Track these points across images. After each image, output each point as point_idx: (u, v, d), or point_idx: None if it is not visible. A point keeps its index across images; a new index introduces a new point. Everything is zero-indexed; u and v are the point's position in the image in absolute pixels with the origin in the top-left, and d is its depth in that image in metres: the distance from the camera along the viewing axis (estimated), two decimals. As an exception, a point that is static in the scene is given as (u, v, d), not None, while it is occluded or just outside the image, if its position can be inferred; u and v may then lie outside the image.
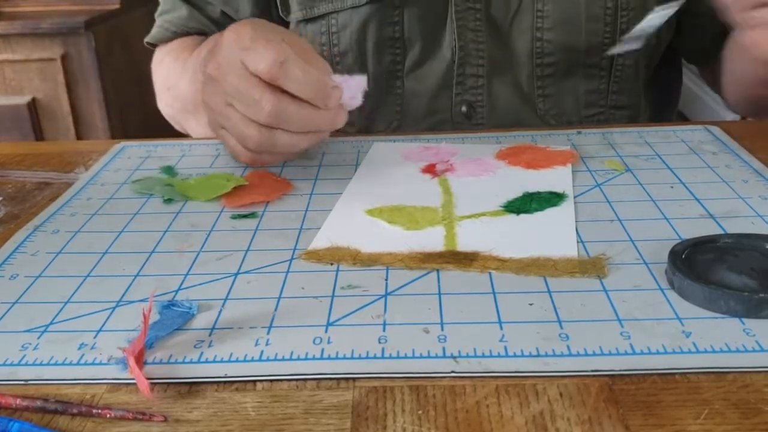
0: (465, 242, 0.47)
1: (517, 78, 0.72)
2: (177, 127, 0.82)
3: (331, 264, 0.45)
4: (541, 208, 0.51)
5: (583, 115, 0.74)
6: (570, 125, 0.73)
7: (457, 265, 0.44)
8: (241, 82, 0.54)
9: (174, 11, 0.79)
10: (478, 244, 0.46)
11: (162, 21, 0.81)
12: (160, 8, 0.82)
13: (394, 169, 0.59)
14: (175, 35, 0.80)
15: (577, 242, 0.46)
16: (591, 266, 0.43)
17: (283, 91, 0.53)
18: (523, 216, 0.50)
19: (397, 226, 0.49)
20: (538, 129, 0.68)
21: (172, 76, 0.75)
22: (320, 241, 0.48)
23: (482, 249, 0.45)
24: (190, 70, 0.70)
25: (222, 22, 0.78)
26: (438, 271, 0.43)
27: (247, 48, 0.54)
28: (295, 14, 0.74)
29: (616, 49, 0.58)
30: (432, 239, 0.47)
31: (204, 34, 0.79)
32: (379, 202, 0.53)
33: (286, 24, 0.76)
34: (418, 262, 0.44)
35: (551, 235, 0.47)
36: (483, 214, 0.50)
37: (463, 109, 0.73)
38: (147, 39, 0.83)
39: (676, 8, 0.50)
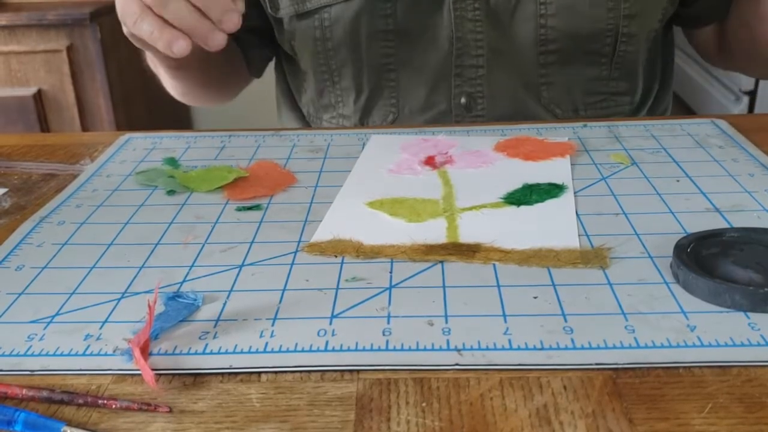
0: (467, 234, 0.47)
1: (520, 67, 0.72)
2: (172, 91, 0.83)
3: (336, 256, 0.45)
4: (541, 200, 0.51)
5: (586, 103, 0.74)
6: (575, 113, 0.73)
7: (460, 256, 0.44)
8: None
9: None
10: (480, 235, 0.46)
11: None
12: None
13: (393, 161, 0.59)
14: None
15: (582, 235, 0.46)
16: (593, 256, 0.43)
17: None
18: (523, 208, 0.50)
19: (399, 218, 0.49)
20: (544, 122, 0.68)
21: None
22: (323, 233, 0.48)
23: (484, 241, 0.45)
24: None
25: None
26: (442, 263, 0.43)
27: None
28: (286, 10, 0.73)
29: None
30: (434, 231, 0.47)
31: None
32: (380, 195, 0.53)
33: (278, 21, 0.75)
34: (421, 254, 0.44)
35: (553, 226, 0.47)
36: (484, 206, 0.50)
37: (463, 100, 0.72)
38: None
39: None
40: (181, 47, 0.53)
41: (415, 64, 0.72)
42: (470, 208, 0.50)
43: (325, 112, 0.78)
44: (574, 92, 0.73)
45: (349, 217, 0.50)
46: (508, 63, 0.71)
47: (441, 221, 0.49)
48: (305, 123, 0.82)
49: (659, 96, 0.80)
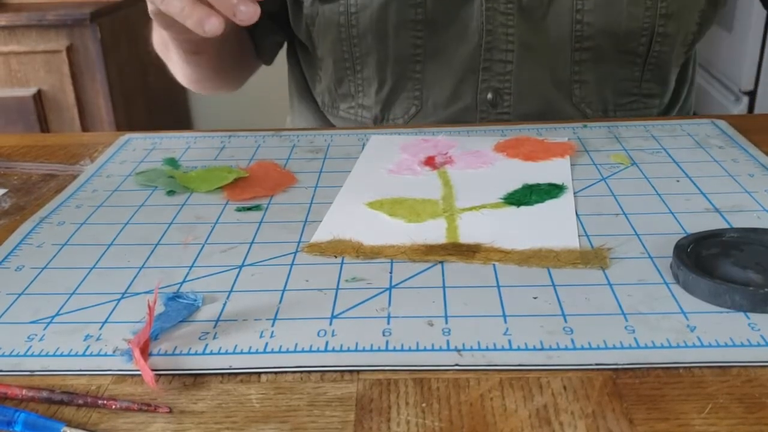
0: (467, 234, 0.47)
1: (552, 63, 0.70)
2: (177, 75, 0.83)
3: (335, 257, 0.45)
4: (541, 200, 0.51)
5: (617, 104, 0.73)
6: (605, 114, 0.72)
7: (460, 257, 0.44)
8: None
9: None
10: (480, 236, 0.46)
11: None
12: None
13: (393, 161, 0.59)
14: None
15: (582, 235, 0.46)
16: (593, 257, 0.43)
17: None
18: (523, 208, 0.50)
19: (399, 219, 0.49)
20: (576, 121, 0.67)
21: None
22: (322, 233, 0.48)
23: (484, 241, 0.45)
24: None
25: None
26: (442, 264, 0.43)
27: None
28: None
29: None
30: (434, 231, 0.47)
31: None
32: (380, 195, 0.53)
33: (296, 3, 0.73)
34: (421, 255, 0.44)
35: (552, 226, 0.47)
36: (484, 207, 0.50)
37: (489, 95, 0.70)
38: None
39: None
40: (213, 25, 0.50)
41: (442, 57, 0.70)
42: (470, 209, 0.50)
43: (342, 102, 0.76)
44: (605, 92, 0.72)
45: (349, 218, 0.50)
46: (539, 59, 0.70)
47: (441, 221, 0.49)
48: (319, 113, 0.81)
49: (686, 98, 0.79)
